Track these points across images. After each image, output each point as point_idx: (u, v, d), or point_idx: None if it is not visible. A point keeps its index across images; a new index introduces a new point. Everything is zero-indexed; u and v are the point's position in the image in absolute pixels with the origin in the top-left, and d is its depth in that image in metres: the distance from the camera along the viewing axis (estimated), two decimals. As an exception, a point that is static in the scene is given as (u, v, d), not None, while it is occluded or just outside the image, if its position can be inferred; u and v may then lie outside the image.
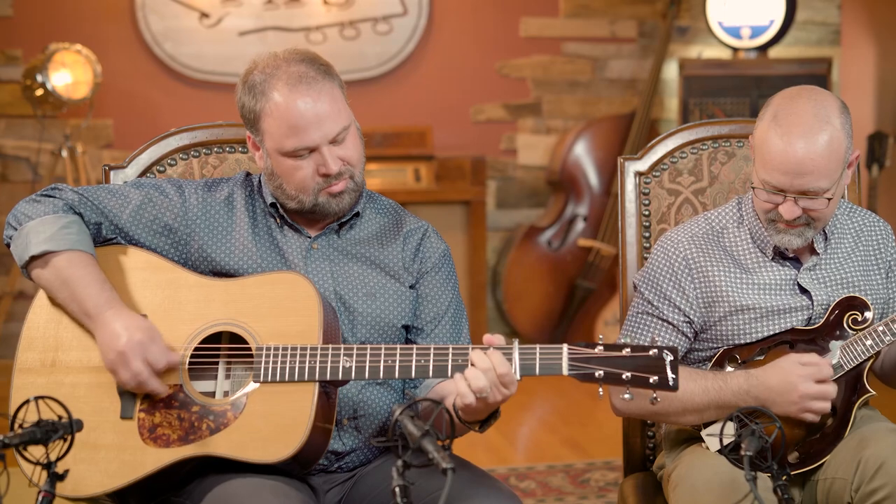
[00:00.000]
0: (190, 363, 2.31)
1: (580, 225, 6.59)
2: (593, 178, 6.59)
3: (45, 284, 2.34)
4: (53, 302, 2.36)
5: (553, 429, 5.41)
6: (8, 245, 2.41)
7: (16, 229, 2.37)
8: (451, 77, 6.65)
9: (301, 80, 2.37)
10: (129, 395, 2.29)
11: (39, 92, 5.64)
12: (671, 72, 6.74)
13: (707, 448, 2.50)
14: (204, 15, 6.32)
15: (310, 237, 2.49)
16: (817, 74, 6.10)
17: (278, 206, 2.48)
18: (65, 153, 5.73)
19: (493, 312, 6.68)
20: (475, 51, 6.69)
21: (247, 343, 2.29)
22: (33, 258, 2.32)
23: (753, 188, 2.54)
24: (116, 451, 2.26)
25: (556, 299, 6.64)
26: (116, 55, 6.17)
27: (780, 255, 2.61)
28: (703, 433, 2.51)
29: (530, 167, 6.84)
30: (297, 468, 2.29)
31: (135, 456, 2.25)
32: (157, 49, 6.27)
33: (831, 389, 2.42)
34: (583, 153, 6.59)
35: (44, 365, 2.34)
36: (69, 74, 5.67)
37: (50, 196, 2.40)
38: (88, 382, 2.30)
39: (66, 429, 1.95)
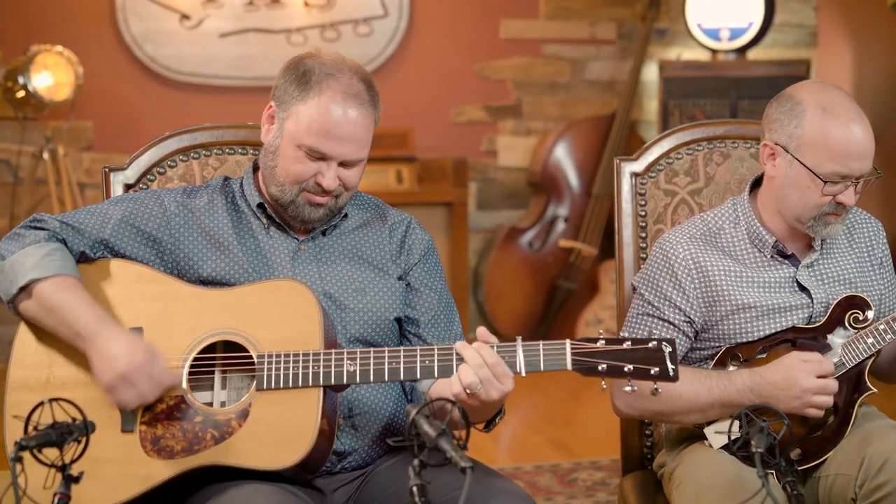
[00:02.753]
0: (189, 374, 2.29)
1: (561, 226, 6.62)
2: (573, 179, 6.62)
3: (33, 315, 2.30)
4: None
5: (537, 429, 5.42)
6: None
7: None
8: (432, 79, 6.66)
9: (356, 96, 2.39)
10: None
11: (21, 94, 5.60)
12: (650, 73, 6.78)
13: (710, 446, 2.52)
14: (184, 17, 6.30)
15: (297, 239, 2.49)
16: (796, 76, 6.12)
17: (266, 206, 2.49)
18: (46, 155, 5.69)
19: (474, 314, 6.69)
20: (455, 52, 6.71)
21: (243, 351, 2.28)
22: (21, 290, 2.29)
23: (823, 183, 2.50)
24: (119, 465, 2.24)
25: (537, 300, 6.65)
26: (96, 57, 6.12)
27: (778, 253, 2.64)
28: (707, 430, 2.53)
29: (510, 168, 6.86)
30: (302, 474, 2.28)
31: (139, 469, 2.24)
32: (137, 51, 6.24)
33: (832, 384, 2.45)
34: (563, 155, 6.61)
35: (38, 382, 2.31)
36: (50, 76, 5.63)
37: (31, 228, 2.38)
38: (85, 397, 2.24)
39: (81, 430, 1.94)
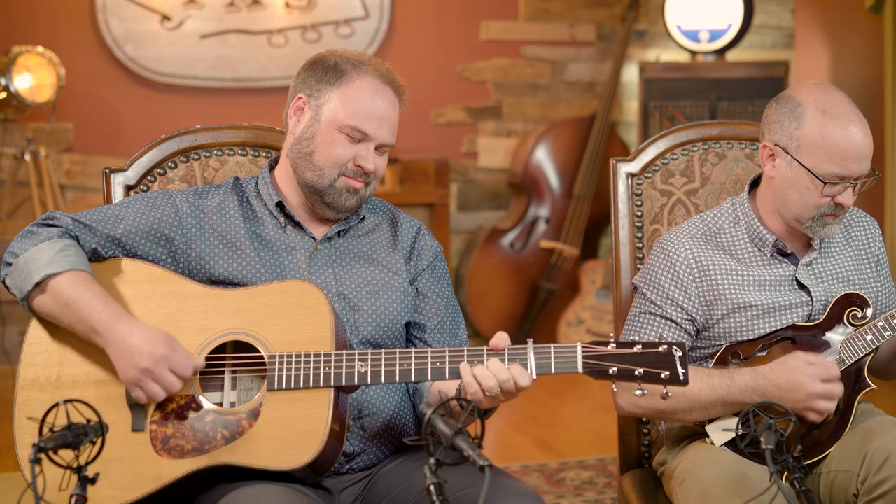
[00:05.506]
0: (200, 374, 2.29)
1: (542, 227, 6.64)
2: (554, 180, 6.65)
3: (48, 311, 2.30)
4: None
5: (522, 430, 5.43)
6: (3, 282, 2.37)
7: (10, 264, 2.34)
8: (413, 80, 6.53)
9: (390, 83, 2.50)
10: (140, 407, 2.27)
11: (2, 95, 5.57)
12: (630, 75, 6.81)
13: (711, 443, 2.54)
14: (165, 18, 6.28)
15: (314, 239, 2.50)
16: (775, 77, 6.20)
17: (285, 204, 2.50)
18: (28, 157, 5.66)
19: (456, 314, 6.69)
20: (436, 54, 6.72)
21: (254, 352, 2.29)
22: (36, 286, 2.29)
23: (823, 184, 2.53)
24: (129, 464, 2.24)
25: (518, 301, 6.67)
26: (76, 58, 6.09)
27: (778, 252, 2.66)
28: (709, 428, 2.54)
29: (491, 169, 6.88)
30: (312, 474, 2.29)
31: (149, 468, 2.24)
32: (118, 52, 6.22)
33: (838, 389, 2.46)
34: (544, 156, 6.64)
35: (48, 381, 2.30)
36: (32, 77, 5.60)
37: (44, 225, 2.38)
38: (95, 396, 2.27)
39: (97, 431, 1.94)
